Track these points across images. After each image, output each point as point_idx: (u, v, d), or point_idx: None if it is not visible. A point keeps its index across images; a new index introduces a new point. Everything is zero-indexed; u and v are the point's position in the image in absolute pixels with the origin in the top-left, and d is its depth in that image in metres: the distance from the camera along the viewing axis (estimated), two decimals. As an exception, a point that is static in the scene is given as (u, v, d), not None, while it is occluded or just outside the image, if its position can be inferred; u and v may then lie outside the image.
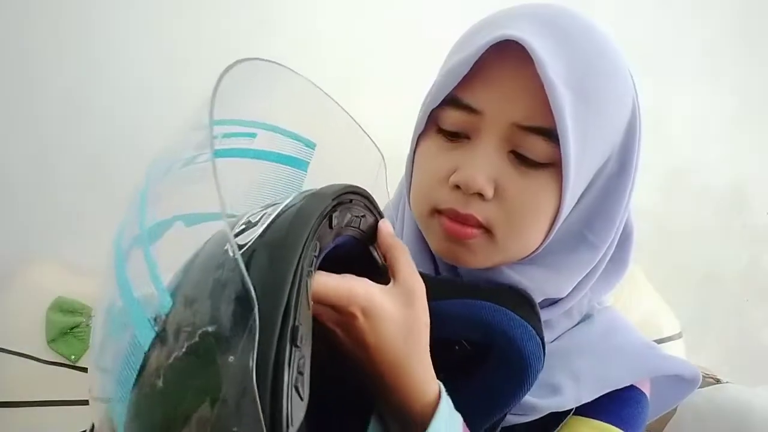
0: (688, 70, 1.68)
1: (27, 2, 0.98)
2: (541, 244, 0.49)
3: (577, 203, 0.49)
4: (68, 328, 1.03)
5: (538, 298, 0.50)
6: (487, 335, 0.44)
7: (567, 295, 0.52)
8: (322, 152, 0.44)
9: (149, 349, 0.27)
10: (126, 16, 1.02)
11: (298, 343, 0.27)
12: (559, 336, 0.54)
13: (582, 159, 0.45)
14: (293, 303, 0.27)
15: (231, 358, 0.24)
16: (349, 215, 0.37)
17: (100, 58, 1.01)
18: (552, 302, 0.52)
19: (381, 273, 0.40)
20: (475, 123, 0.45)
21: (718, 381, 1.20)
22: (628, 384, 0.51)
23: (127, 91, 1.02)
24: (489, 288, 0.48)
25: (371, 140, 0.49)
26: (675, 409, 1.17)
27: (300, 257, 0.29)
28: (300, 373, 0.27)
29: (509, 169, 0.45)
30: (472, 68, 0.44)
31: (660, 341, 1.51)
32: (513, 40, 0.42)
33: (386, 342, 0.37)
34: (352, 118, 0.47)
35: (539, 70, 0.41)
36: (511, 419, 0.48)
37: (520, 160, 0.45)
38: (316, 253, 0.32)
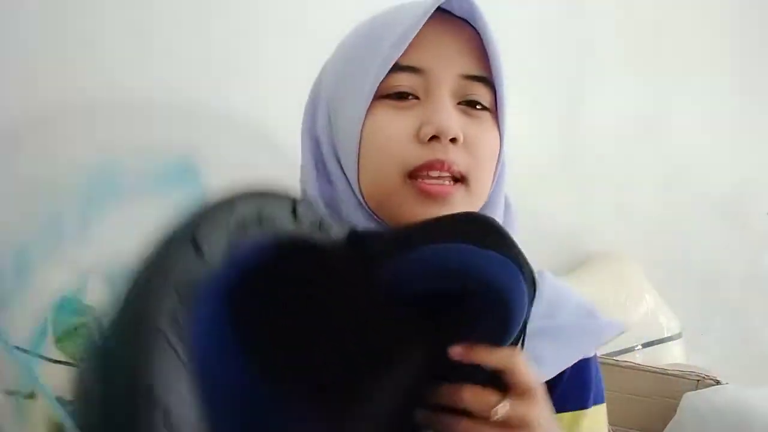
0: (689, 70, 1.69)
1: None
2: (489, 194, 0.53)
3: None
4: (74, 328, 1.04)
5: None
6: (462, 282, 0.36)
7: None
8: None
9: None
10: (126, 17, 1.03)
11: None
12: None
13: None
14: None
15: None
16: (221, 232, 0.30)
17: (102, 61, 1.02)
18: None
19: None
20: (423, 82, 0.50)
21: (718, 382, 1.20)
22: (581, 358, 0.53)
23: (131, 92, 1.02)
24: (449, 222, 0.41)
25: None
26: (675, 410, 1.18)
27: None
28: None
29: (463, 117, 0.50)
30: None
31: (660, 341, 1.52)
32: (439, 14, 0.49)
33: (546, 422, 0.39)
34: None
35: (481, 25, 0.50)
36: None
37: (470, 107, 0.51)
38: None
